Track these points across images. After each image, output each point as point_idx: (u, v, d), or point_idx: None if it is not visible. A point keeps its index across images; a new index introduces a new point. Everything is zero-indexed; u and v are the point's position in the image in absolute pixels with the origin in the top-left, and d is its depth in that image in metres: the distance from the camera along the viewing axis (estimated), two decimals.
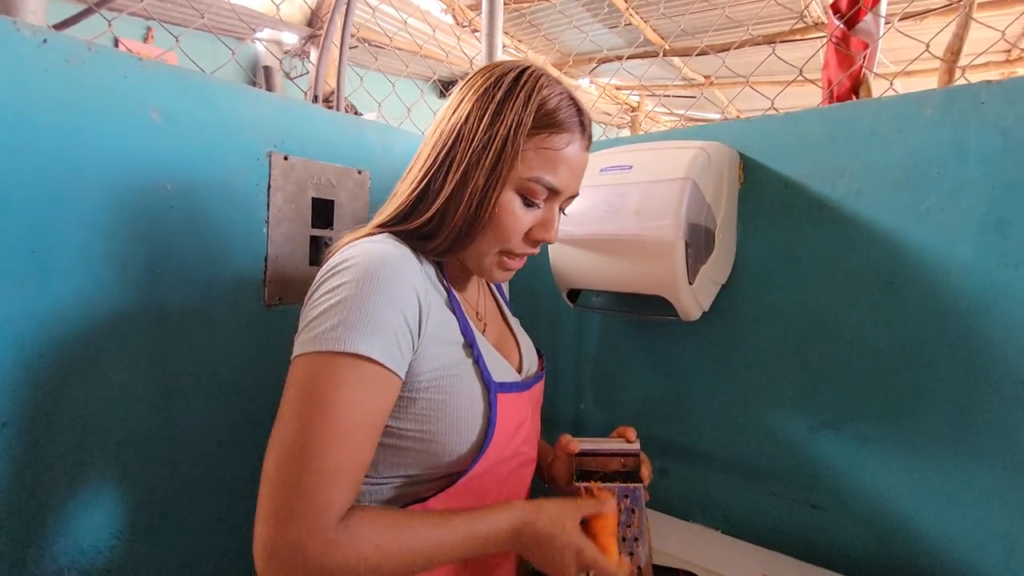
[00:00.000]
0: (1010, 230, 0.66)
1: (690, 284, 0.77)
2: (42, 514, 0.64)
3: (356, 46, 2.52)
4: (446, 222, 0.57)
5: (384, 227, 0.60)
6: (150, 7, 2.33)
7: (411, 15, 2.12)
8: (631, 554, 0.64)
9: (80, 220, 0.66)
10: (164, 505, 0.75)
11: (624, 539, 0.64)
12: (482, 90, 0.58)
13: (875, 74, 0.87)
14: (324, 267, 0.55)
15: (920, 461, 0.72)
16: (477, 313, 0.68)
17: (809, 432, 0.81)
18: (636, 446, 0.69)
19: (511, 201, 0.58)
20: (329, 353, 0.48)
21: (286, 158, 0.86)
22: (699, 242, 0.77)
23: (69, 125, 0.65)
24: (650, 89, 4.04)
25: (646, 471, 0.69)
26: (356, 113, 2.39)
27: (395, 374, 0.51)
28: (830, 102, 0.87)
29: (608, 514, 0.61)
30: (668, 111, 4.41)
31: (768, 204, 0.85)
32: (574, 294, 0.94)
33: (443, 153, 0.57)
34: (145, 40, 2.67)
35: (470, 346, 0.59)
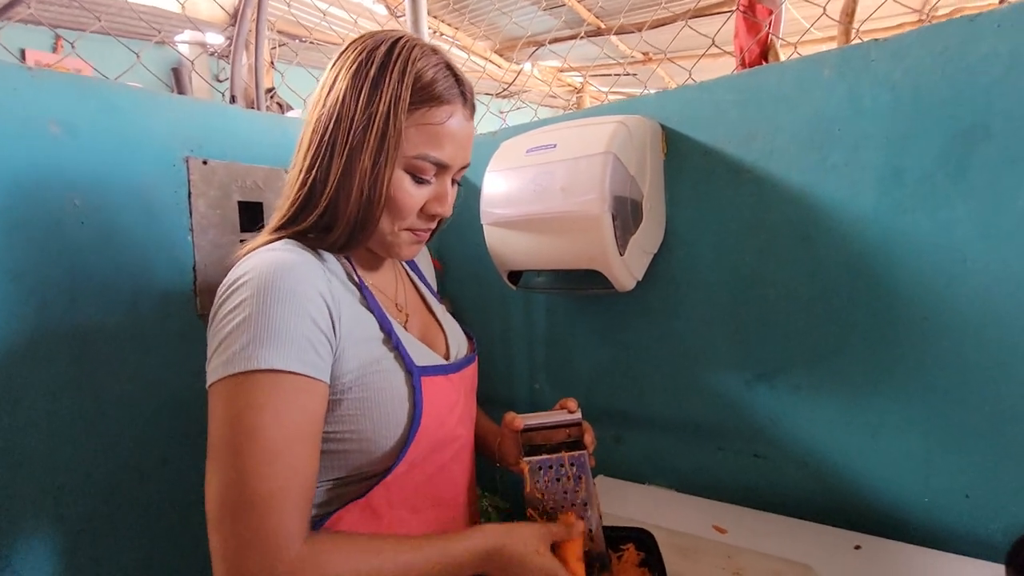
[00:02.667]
0: (905, 177, 0.70)
1: (621, 255, 0.79)
2: None
3: (285, 43, 2.44)
4: (340, 213, 0.56)
5: (282, 229, 0.58)
6: (56, 15, 2.19)
7: (333, 4, 2.06)
8: (581, 518, 0.66)
9: None
10: (108, 531, 0.73)
11: (574, 504, 0.66)
12: (355, 66, 0.56)
13: (783, 40, 0.91)
14: (223, 283, 0.53)
15: (845, 402, 0.77)
16: (396, 304, 0.67)
17: (746, 387, 0.85)
18: (578, 415, 0.71)
19: (401, 179, 0.57)
20: (244, 374, 0.46)
21: (205, 162, 0.83)
22: (626, 214, 0.80)
23: None
24: (590, 70, 4.07)
25: (589, 438, 0.71)
26: (289, 108, 2.32)
27: (318, 380, 0.50)
28: (742, 68, 0.90)
29: (577, 540, 0.62)
30: (612, 90, 4.46)
31: (691, 171, 0.88)
32: (516, 276, 0.96)
33: (324, 139, 0.56)
34: (54, 50, 2.51)
35: (389, 337, 0.58)
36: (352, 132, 0.54)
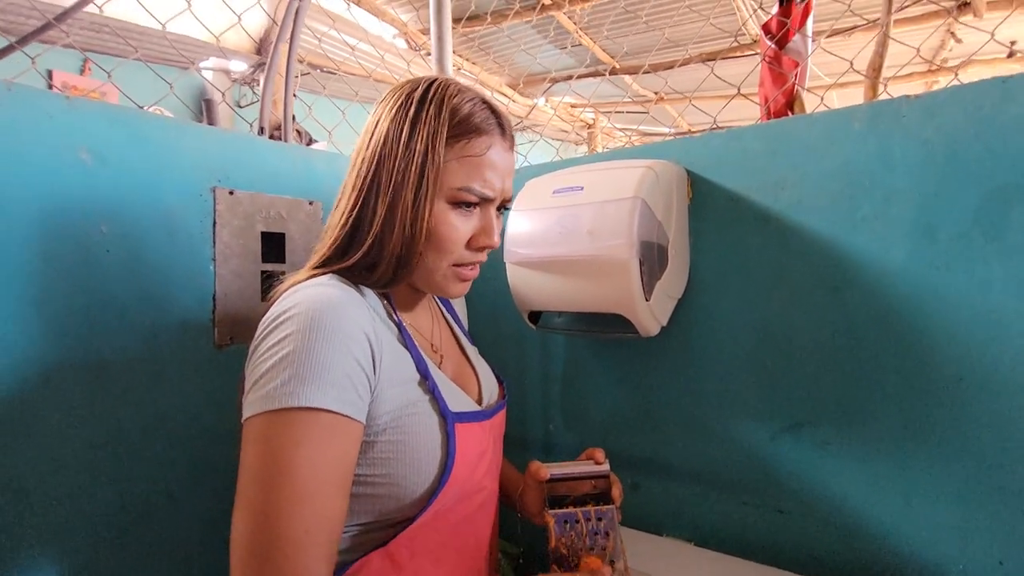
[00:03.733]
0: (937, 234, 0.70)
1: (647, 301, 0.78)
2: None
3: (308, 72, 2.50)
4: (385, 249, 0.56)
5: (323, 267, 0.58)
6: (86, 39, 2.25)
7: (361, 40, 2.11)
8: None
9: (4, 269, 0.62)
10: (113, 565, 0.70)
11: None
12: (395, 109, 0.57)
13: (807, 90, 0.92)
14: (266, 317, 0.53)
15: (874, 461, 0.75)
16: (432, 345, 0.67)
17: (771, 439, 0.83)
18: (606, 467, 0.69)
19: (445, 213, 0.57)
20: (284, 410, 0.46)
21: (231, 192, 0.84)
22: (652, 259, 0.79)
23: None
24: (602, 107, 4.15)
25: (617, 492, 0.69)
26: (311, 140, 2.36)
27: (355, 421, 0.50)
28: (767, 118, 0.91)
29: None
30: (622, 127, 4.54)
31: (716, 218, 0.87)
32: (535, 316, 0.94)
33: (368, 179, 0.57)
34: (82, 72, 2.57)
35: (425, 379, 0.58)
36: (394, 170, 0.55)
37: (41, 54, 0.85)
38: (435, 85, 0.59)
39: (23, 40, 1.03)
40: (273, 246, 0.90)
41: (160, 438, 0.75)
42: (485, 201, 0.60)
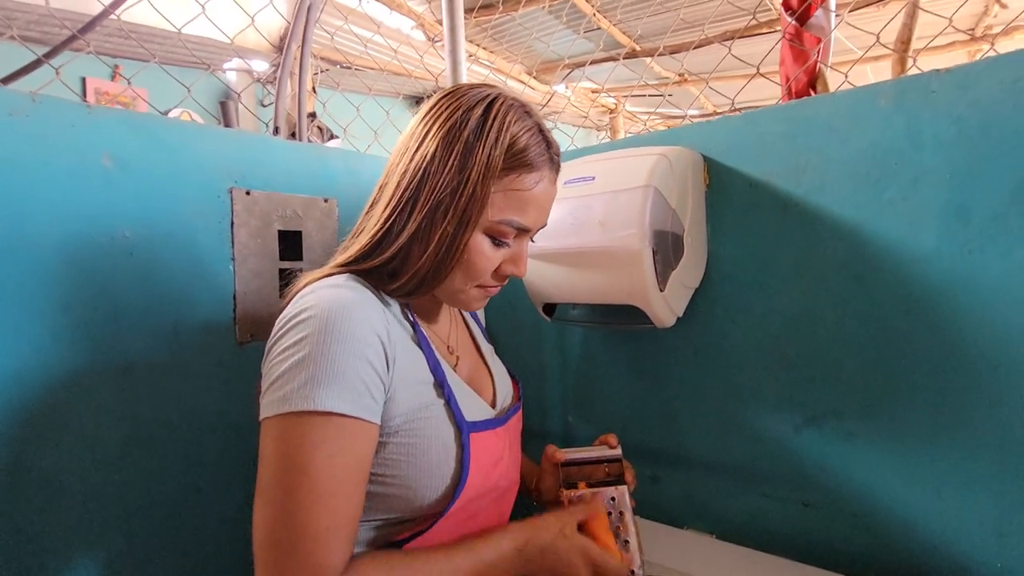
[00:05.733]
0: (971, 216, 0.66)
1: (661, 291, 0.76)
2: None
3: (327, 69, 2.52)
4: (410, 263, 0.56)
5: (347, 266, 0.58)
6: (116, 46, 2.32)
7: (376, 33, 2.11)
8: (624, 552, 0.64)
9: (34, 275, 0.65)
10: (145, 557, 0.73)
11: (615, 540, 0.64)
12: (448, 126, 0.55)
13: (830, 67, 0.88)
14: (282, 316, 0.53)
15: (905, 453, 0.72)
16: (448, 346, 0.67)
17: (794, 431, 0.81)
18: (618, 451, 0.72)
19: (480, 243, 0.56)
20: (300, 414, 0.47)
21: (248, 193, 0.85)
22: (667, 248, 0.77)
23: (17, 179, 0.64)
24: (623, 91, 4.07)
25: (629, 476, 0.71)
26: (331, 136, 2.38)
27: (370, 423, 0.51)
28: (788, 98, 0.87)
29: (600, 514, 0.63)
30: (645, 110, 4.44)
31: (735, 204, 0.84)
32: (551, 308, 0.94)
33: (408, 193, 0.55)
34: (113, 78, 2.66)
35: (440, 385, 0.58)
36: (438, 192, 0.54)
37: (66, 63, 0.88)
38: (495, 107, 0.56)
39: (51, 53, 1.06)
40: (290, 244, 0.91)
41: (186, 434, 0.78)
42: (521, 233, 0.59)
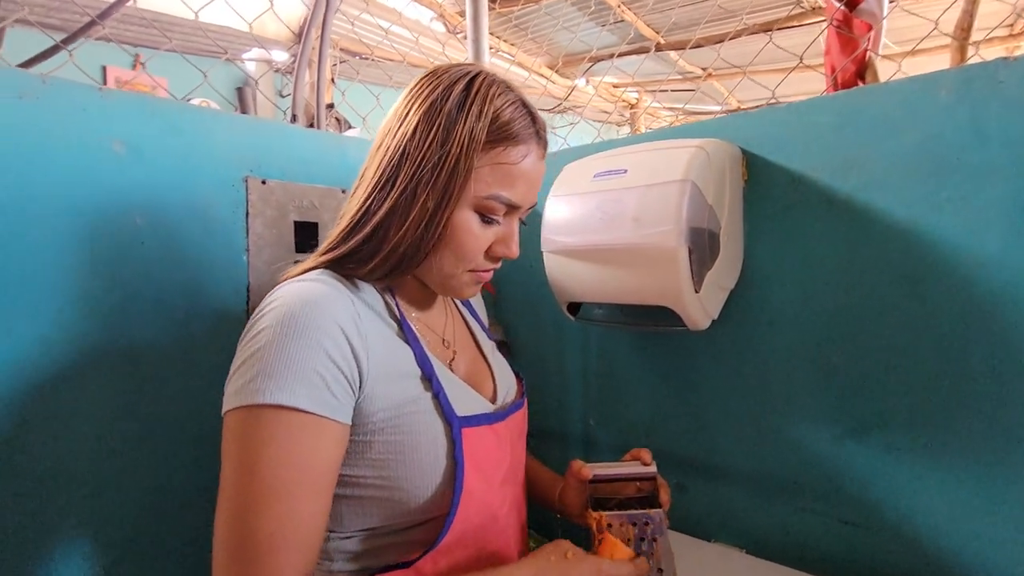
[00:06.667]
0: None
1: (696, 292, 0.72)
2: (19, 569, 0.60)
3: (346, 60, 2.50)
4: (385, 243, 0.53)
5: (328, 253, 0.56)
6: (137, 34, 2.32)
7: (395, 23, 2.08)
8: None
9: (41, 262, 0.62)
10: (151, 552, 0.71)
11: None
12: (429, 101, 0.53)
13: (881, 56, 0.82)
14: (256, 309, 0.52)
15: (956, 473, 0.67)
16: (444, 340, 0.64)
17: (833, 442, 0.76)
18: (653, 469, 0.66)
19: (468, 220, 0.54)
20: (251, 407, 0.45)
21: (264, 182, 0.82)
22: (703, 247, 0.72)
23: (26, 164, 0.61)
24: (646, 85, 3.99)
25: (665, 495, 0.66)
26: (349, 127, 2.36)
27: (331, 420, 0.47)
28: (834, 89, 0.82)
29: (614, 540, 0.59)
30: (668, 106, 4.36)
31: (776, 201, 0.79)
32: (575, 307, 0.90)
33: (388, 171, 0.53)
34: (134, 67, 2.66)
35: (428, 379, 0.54)
36: (419, 168, 0.52)
37: (86, 51, 0.85)
38: (477, 81, 0.54)
39: (69, 38, 1.04)
40: (306, 236, 0.88)
41: (195, 428, 0.75)
42: (511, 210, 0.57)
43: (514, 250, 0.59)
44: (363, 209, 0.54)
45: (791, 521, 0.80)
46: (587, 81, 3.84)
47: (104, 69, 2.62)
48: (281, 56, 2.60)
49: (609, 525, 0.61)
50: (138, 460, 0.70)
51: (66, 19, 1.99)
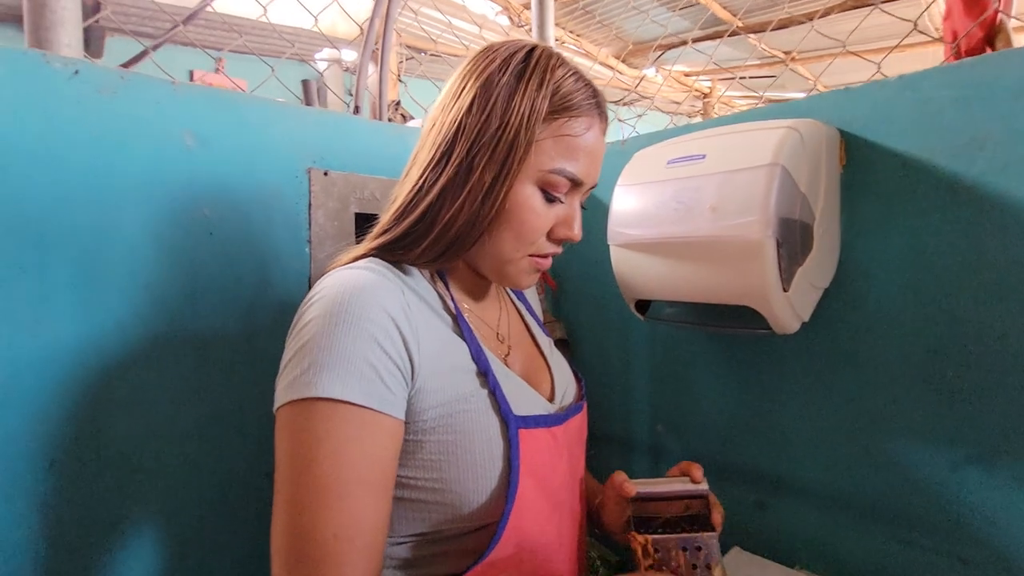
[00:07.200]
0: None
1: (784, 291, 0.64)
2: (89, 552, 0.63)
3: (412, 57, 2.52)
4: (437, 222, 0.50)
5: (378, 237, 0.54)
6: (219, 38, 2.46)
7: (458, 17, 2.07)
8: None
9: (118, 253, 0.64)
10: (214, 538, 0.73)
11: None
12: (486, 75, 0.50)
13: (1015, 19, 0.70)
14: (304, 299, 0.50)
15: None
16: (498, 335, 0.60)
17: (951, 469, 0.65)
18: (704, 487, 0.58)
19: (530, 196, 0.51)
20: (304, 401, 0.43)
21: (326, 173, 0.82)
22: (793, 240, 0.64)
23: (103, 156, 0.63)
24: (720, 73, 3.78)
25: (717, 516, 0.57)
26: (411, 118, 2.37)
27: (386, 415, 0.45)
28: (956, 58, 0.71)
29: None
30: (743, 95, 4.11)
31: (881, 189, 0.70)
32: (644, 304, 0.83)
33: (443, 147, 0.50)
34: (216, 70, 2.84)
35: (484, 374, 0.51)
36: (475, 141, 0.49)
37: (154, 45, 0.88)
38: (536, 52, 0.52)
39: (156, 45, 1.09)
40: (367, 228, 0.87)
41: (258, 417, 0.76)
42: (574, 187, 0.53)
43: (577, 232, 0.55)
44: (416, 188, 0.52)
45: (891, 553, 0.70)
46: (656, 70, 3.69)
47: (191, 73, 2.80)
48: (351, 55, 2.67)
49: (657, 551, 0.54)
50: (204, 447, 0.71)
51: (158, 27, 2.14)
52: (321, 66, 2.78)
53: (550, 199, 0.52)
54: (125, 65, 1.24)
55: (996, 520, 0.62)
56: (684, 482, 0.58)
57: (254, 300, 0.75)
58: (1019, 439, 0.61)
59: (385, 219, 0.55)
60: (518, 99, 0.49)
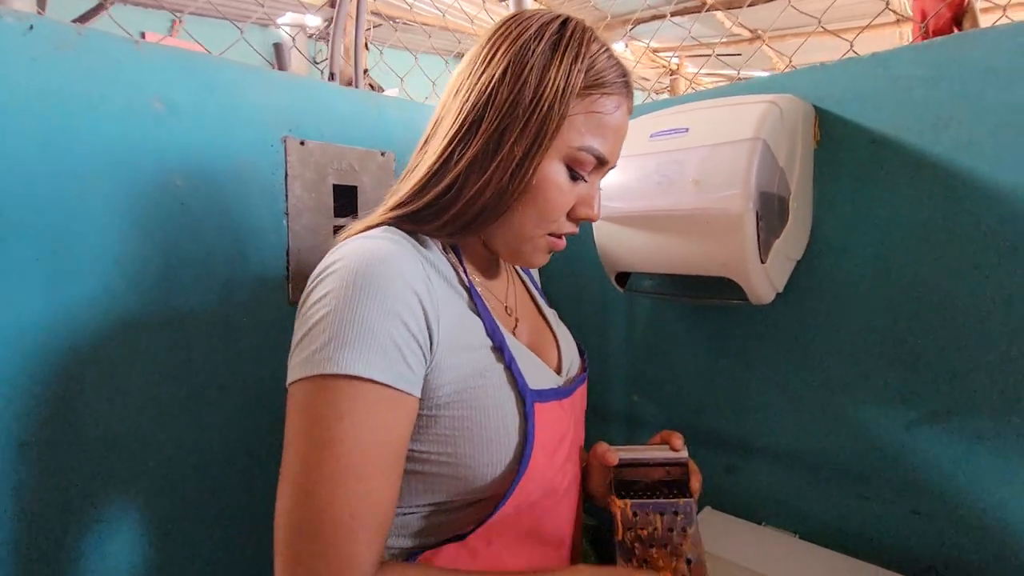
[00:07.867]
0: None
1: (763, 262, 0.66)
2: (68, 536, 0.61)
3: (380, 24, 2.43)
4: (462, 195, 0.49)
5: (397, 208, 0.52)
6: (176, 0, 2.31)
7: None
8: None
9: (87, 224, 0.61)
10: (197, 516, 0.72)
11: (676, 559, 0.56)
12: (520, 43, 0.48)
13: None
14: (314, 272, 0.47)
15: None
16: (507, 308, 0.60)
17: (907, 428, 0.70)
18: (684, 454, 0.60)
19: (557, 173, 0.49)
20: (323, 376, 0.41)
21: (303, 143, 0.79)
22: (772, 213, 0.67)
23: (65, 119, 0.60)
24: (693, 49, 3.79)
25: (696, 483, 0.60)
26: (381, 91, 2.31)
27: (406, 394, 0.44)
28: (924, 38, 0.73)
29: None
30: (711, 73, 4.14)
31: (852, 164, 0.72)
32: (623, 277, 0.85)
33: (472, 116, 0.48)
34: (171, 33, 2.67)
35: (499, 349, 0.51)
36: (507, 113, 0.47)
37: (114, 9, 0.82)
38: (572, 24, 0.50)
39: (110, 1, 1.02)
40: (346, 200, 0.85)
41: (237, 394, 0.75)
42: (598, 166, 0.52)
43: (597, 211, 0.54)
44: (442, 158, 0.49)
45: (852, 508, 0.75)
46: (626, 45, 3.68)
47: (143, 35, 2.63)
48: (315, 21, 2.56)
49: (635, 514, 0.56)
50: (182, 424, 0.70)
51: None
52: (285, 31, 2.65)
53: (575, 177, 0.51)
54: (78, 21, 1.16)
55: (946, 475, 0.67)
56: (664, 450, 0.60)
57: (230, 275, 0.73)
58: (973, 399, 0.65)
59: (406, 189, 0.52)
60: (554, 71, 0.47)
